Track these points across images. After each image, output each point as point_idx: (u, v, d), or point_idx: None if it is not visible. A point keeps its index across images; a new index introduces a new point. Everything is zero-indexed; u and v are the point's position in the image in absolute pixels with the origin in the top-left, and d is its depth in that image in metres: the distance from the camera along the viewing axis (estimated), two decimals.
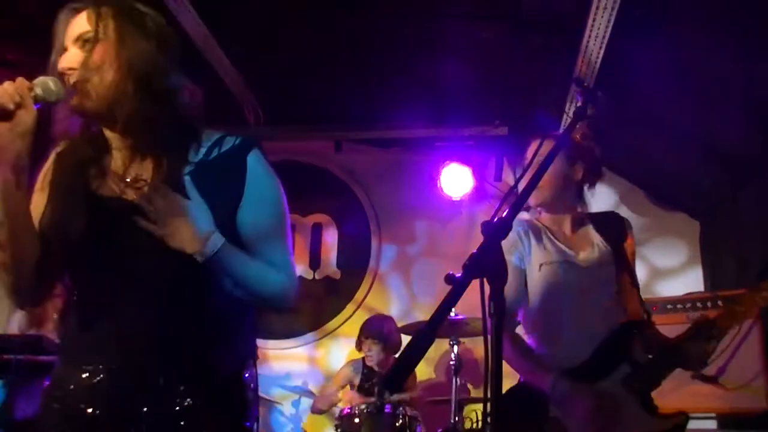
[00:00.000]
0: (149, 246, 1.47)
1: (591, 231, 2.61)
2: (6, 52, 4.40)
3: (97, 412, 1.47)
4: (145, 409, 1.48)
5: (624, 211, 4.86)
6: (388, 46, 4.37)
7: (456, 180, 5.16)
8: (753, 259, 4.21)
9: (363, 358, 4.67)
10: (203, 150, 1.60)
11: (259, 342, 5.21)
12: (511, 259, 2.50)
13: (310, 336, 5.43)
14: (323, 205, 5.73)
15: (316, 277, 5.61)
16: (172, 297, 1.52)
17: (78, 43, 1.53)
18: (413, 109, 5.03)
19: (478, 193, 5.37)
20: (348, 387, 4.57)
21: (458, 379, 3.91)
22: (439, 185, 5.20)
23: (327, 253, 5.64)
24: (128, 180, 1.55)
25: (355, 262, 5.56)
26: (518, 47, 4.18)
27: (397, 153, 5.62)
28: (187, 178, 1.53)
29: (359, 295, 5.47)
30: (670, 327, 3.10)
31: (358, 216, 5.65)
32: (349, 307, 5.45)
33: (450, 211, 5.49)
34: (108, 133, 1.59)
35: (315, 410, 4.61)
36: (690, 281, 4.91)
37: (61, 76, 1.50)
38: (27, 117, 1.40)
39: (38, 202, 1.56)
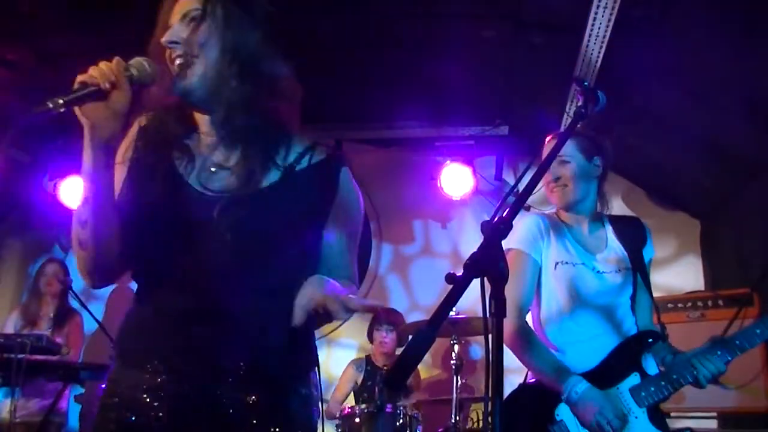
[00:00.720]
0: (223, 251, 1.43)
1: (610, 234, 2.53)
2: (6, 52, 4.40)
3: (160, 413, 1.41)
4: (209, 409, 1.42)
5: (625, 211, 4.87)
6: (388, 45, 4.37)
7: (456, 179, 5.16)
8: (753, 258, 4.22)
9: (366, 357, 4.67)
10: (293, 156, 1.56)
11: None
12: (530, 254, 2.44)
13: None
14: None
15: None
16: (241, 306, 1.45)
17: (185, 20, 1.49)
18: (413, 108, 5.03)
19: (479, 193, 5.38)
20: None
21: (459, 378, 3.91)
22: (439, 185, 5.21)
23: None
24: (212, 170, 1.51)
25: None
26: (519, 47, 4.18)
27: (397, 152, 5.63)
28: (277, 181, 1.50)
29: (360, 294, 5.45)
30: (670, 326, 3.11)
31: None
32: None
33: (450, 211, 5.50)
34: (198, 115, 1.55)
35: (329, 416, 4.54)
36: (690, 280, 4.91)
37: (162, 51, 1.47)
38: (121, 97, 1.38)
39: (117, 177, 1.49)
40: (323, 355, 5.37)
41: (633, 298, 2.43)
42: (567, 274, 2.41)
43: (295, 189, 1.51)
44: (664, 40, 3.64)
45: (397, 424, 3.87)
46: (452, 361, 3.93)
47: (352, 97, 4.97)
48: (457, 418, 3.81)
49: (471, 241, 5.39)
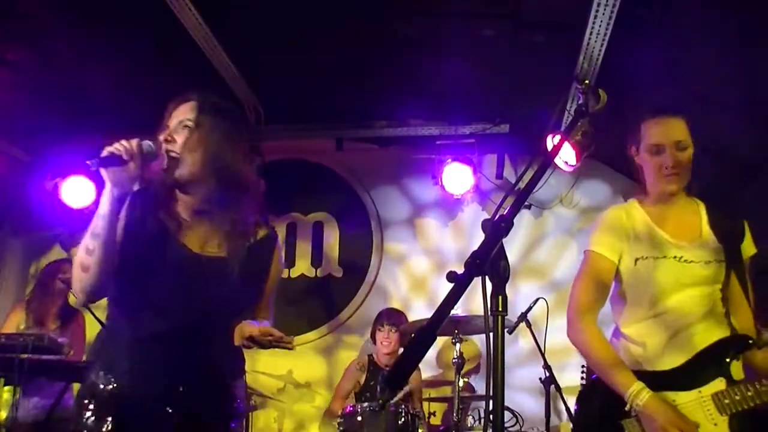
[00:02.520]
0: (189, 295, 1.96)
1: (703, 223, 2.42)
2: (6, 52, 4.40)
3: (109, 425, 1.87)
4: (169, 409, 1.91)
5: None
6: (389, 44, 4.36)
7: (457, 178, 5.16)
8: (755, 257, 4.20)
9: (369, 356, 4.67)
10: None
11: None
12: (604, 253, 2.38)
13: (312, 334, 5.43)
14: (324, 204, 5.73)
15: (318, 275, 5.61)
16: (190, 337, 1.95)
17: (180, 126, 1.99)
18: (414, 107, 5.03)
19: (480, 191, 5.37)
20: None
21: (461, 377, 3.91)
22: (440, 183, 5.20)
23: (328, 251, 5.65)
24: (189, 233, 2.01)
25: (357, 260, 5.57)
26: (520, 45, 4.18)
27: (399, 151, 5.62)
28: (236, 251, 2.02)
29: (361, 293, 5.47)
30: None
31: (359, 214, 5.65)
32: (352, 305, 5.45)
33: (451, 209, 5.49)
34: (180, 194, 2.03)
35: (331, 415, 4.51)
36: None
37: (160, 144, 1.95)
38: (134, 167, 1.87)
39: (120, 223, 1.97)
40: (326, 349, 5.38)
41: (725, 297, 2.32)
42: (647, 269, 2.33)
43: (247, 257, 2.02)
44: (666, 37, 3.63)
45: (399, 422, 3.86)
46: (454, 360, 3.92)
47: (353, 96, 4.97)
48: (459, 416, 3.81)
49: (472, 240, 5.39)
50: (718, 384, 2.20)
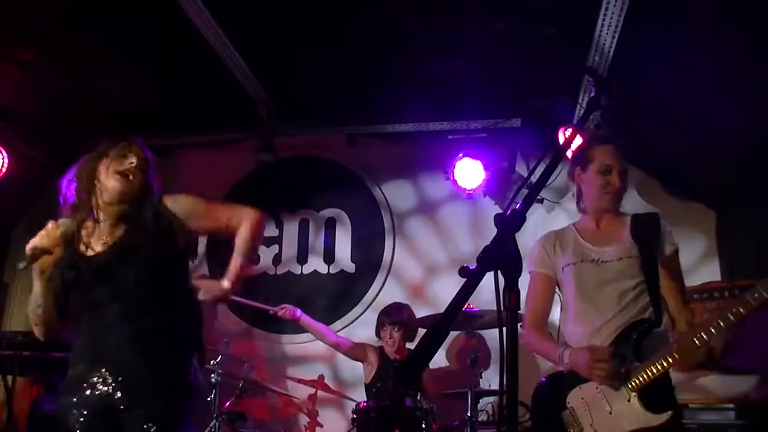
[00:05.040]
0: (116, 288, 2.37)
1: (624, 228, 2.73)
2: (19, 53, 4.44)
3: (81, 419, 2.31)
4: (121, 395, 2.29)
5: (639, 202, 4.84)
6: (400, 39, 4.36)
7: (469, 173, 5.14)
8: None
9: (380, 347, 4.67)
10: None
11: (273, 337, 5.26)
12: (540, 270, 2.78)
13: None
14: (337, 200, 5.74)
15: (331, 271, 5.62)
16: (138, 320, 2.35)
17: (127, 171, 2.45)
18: (426, 102, 5.02)
19: (492, 186, 5.35)
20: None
21: (475, 372, 3.91)
22: (452, 178, 5.19)
23: (341, 247, 5.65)
24: (102, 241, 2.43)
25: (369, 256, 5.57)
26: (531, 38, 4.16)
27: (411, 147, 5.61)
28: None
29: (374, 289, 5.48)
30: None
31: (372, 210, 5.65)
32: (365, 301, 5.46)
33: (463, 205, 5.48)
34: (108, 210, 2.46)
35: (343, 349, 4.79)
36: (707, 271, 4.86)
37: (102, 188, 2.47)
38: (59, 251, 2.37)
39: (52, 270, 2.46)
40: (331, 355, 5.39)
41: (638, 285, 2.60)
42: (570, 273, 2.69)
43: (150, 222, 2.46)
44: (679, 28, 3.60)
45: (412, 418, 3.87)
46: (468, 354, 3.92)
47: (365, 92, 4.97)
48: (473, 411, 3.81)
49: (484, 235, 5.37)
50: (630, 364, 2.50)
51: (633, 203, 4.83)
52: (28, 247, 2.28)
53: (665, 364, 2.41)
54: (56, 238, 2.30)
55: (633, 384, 2.47)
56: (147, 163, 2.49)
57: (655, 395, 2.46)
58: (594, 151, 2.77)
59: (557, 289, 2.82)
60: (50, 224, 2.33)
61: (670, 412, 2.42)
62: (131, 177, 2.43)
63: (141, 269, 2.35)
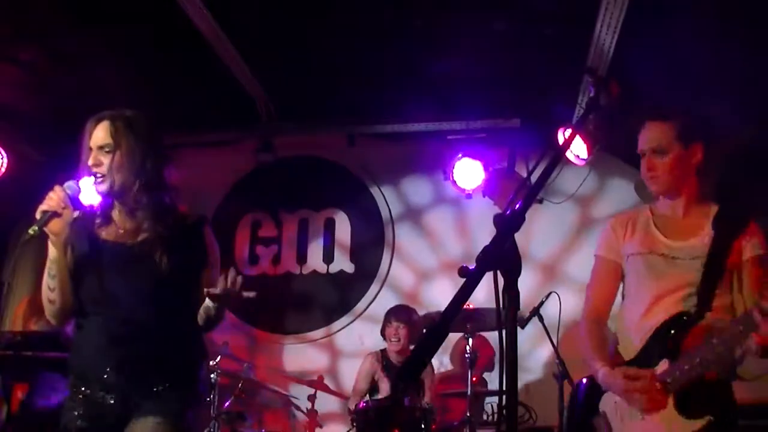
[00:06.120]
0: (132, 281, 2.28)
1: (707, 218, 2.45)
2: (20, 52, 4.44)
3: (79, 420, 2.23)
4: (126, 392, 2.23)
5: (636, 200, 4.84)
6: (399, 39, 4.36)
7: (469, 173, 5.14)
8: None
9: (382, 351, 4.67)
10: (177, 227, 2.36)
11: (274, 337, 5.27)
12: (605, 256, 2.53)
13: (324, 330, 5.45)
14: (336, 200, 5.74)
15: (330, 271, 5.62)
16: (146, 322, 2.27)
17: (102, 151, 2.30)
18: (425, 102, 5.02)
19: (491, 186, 5.35)
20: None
21: (473, 372, 3.91)
22: (452, 178, 5.20)
23: (340, 247, 5.66)
24: (122, 231, 2.35)
25: (369, 256, 5.57)
26: (530, 38, 4.16)
27: (410, 147, 5.62)
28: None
29: (373, 289, 5.48)
30: None
31: (371, 210, 5.65)
32: (363, 301, 5.47)
33: (463, 204, 5.48)
34: (117, 203, 2.36)
35: (352, 409, 4.48)
36: None
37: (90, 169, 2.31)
38: (68, 213, 2.25)
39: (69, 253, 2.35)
40: (338, 345, 5.40)
41: (699, 283, 2.31)
42: (636, 263, 2.42)
43: (178, 238, 2.33)
44: (678, 28, 3.60)
45: (412, 418, 3.87)
46: (466, 355, 3.92)
47: (364, 92, 4.97)
48: (472, 411, 3.81)
49: (484, 234, 5.37)
50: (663, 365, 2.26)
51: (631, 202, 4.86)
52: (38, 211, 2.22)
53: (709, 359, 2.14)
54: (63, 198, 2.22)
55: (669, 386, 2.21)
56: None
57: (696, 397, 2.18)
58: (639, 134, 2.50)
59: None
60: (56, 187, 2.26)
61: (708, 418, 2.13)
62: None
63: (160, 272, 2.27)
